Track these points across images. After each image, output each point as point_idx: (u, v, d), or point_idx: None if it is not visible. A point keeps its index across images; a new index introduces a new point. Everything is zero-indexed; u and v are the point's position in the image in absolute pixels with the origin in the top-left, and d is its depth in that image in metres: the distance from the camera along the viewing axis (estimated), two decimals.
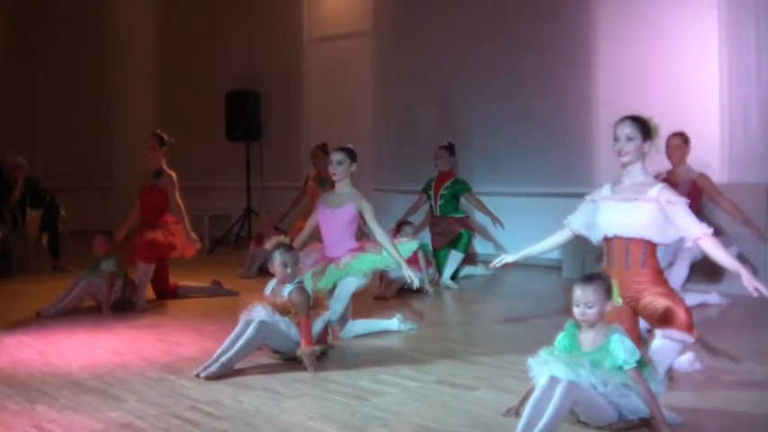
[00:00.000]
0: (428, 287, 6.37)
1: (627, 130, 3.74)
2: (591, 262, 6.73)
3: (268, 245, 4.47)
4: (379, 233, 4.95)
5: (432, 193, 7.44)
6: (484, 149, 8.23)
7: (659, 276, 3.72)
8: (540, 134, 7.85)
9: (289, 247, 4.46)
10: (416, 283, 5.04)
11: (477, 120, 8.17)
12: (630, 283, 3.67)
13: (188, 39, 11.24)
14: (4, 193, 8.13)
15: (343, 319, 4.98)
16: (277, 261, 4.36)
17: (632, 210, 3.70)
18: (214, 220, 10.48)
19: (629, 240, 3.70)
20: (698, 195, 5.79)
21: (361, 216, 5.09)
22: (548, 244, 4.10)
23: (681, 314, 3.54)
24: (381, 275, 6.29)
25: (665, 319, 3.57)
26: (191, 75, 11.21)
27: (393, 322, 5.17)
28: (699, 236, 3.63)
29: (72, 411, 3.56)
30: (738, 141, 6.55)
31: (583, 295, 3.21)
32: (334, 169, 5.09)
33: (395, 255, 4.92)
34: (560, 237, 4.06)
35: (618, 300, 3.58)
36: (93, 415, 3.50)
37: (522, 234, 8.10)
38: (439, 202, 7.40)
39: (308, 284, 4.65)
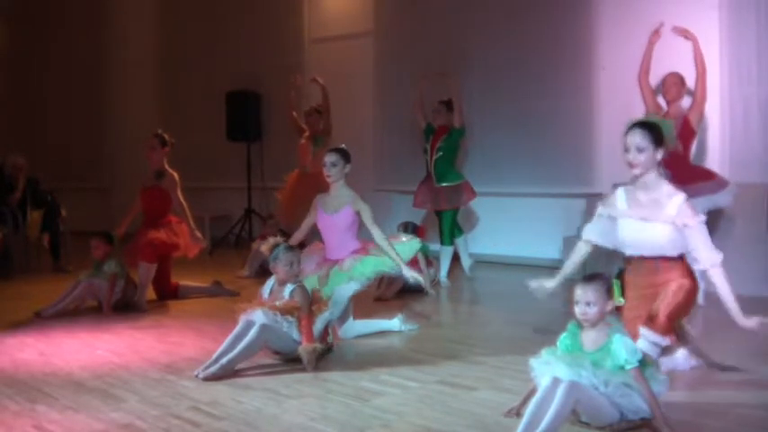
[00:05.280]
0: (429, 288, 6.37)
1: (637, 139, 3.61)
2: (591, 262, 6.71)
3: (264, 247, 4.47)
4: (378, 235, 4.94)
5: (428, 146, 7.24)
6: (484, 150, 8.22)
7: (687, 269, 3.72)
8: (541, 135, 7.83)
9: (291, 246, 4.50)
10: (420, 282, 5.04)
11: (478, 120, 8.16)
12: (659, 274, 3.70)
13: (188, 39, 11.21)
14: (5, 194, 8.13)
15: (344, 319, 4.98)
16: (283, 260, 4.36)
17: (650, 230, 3.69)
18: (215, 220, 10.45)
19: (654, 258, 3.72)
20: (689, 134, 5.95)
21: (359, 217, 5.08)
22: (573, 261, 4.08)
23: (661, 318, 3.59)
24: (381, 276, 6.28)
25: (650, 318, 3.62)
26: (191, 75, 11.18)
27: (394, 322, 5.17)
28: (707, 267, 3.63)
29: (73, 412, 3.57)
30: (738, 141, 6.54)
31: (583, 294, 3.23)
32: (328, 171, 5.06)
33: (394, 257, 4.92)
34: (581, 251, 4.04)
35: (620, 299, 3.57)
36: (93, 415, 3.51)
37: (521, 234, 8.16)
38: (435, 156, 7.13)
39: (313, 287, 4.64)
